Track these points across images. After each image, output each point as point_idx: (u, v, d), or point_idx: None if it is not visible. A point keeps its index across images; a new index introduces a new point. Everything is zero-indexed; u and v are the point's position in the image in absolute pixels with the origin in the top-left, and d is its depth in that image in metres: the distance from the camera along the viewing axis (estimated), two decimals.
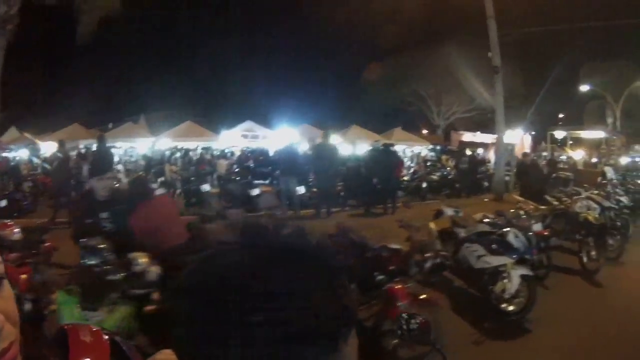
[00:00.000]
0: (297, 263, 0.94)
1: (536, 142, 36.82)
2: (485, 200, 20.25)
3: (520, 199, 17.53)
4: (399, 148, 31.80)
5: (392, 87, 39.14)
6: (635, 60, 37.62)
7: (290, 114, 33.24)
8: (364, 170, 18.90)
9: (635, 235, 12.54)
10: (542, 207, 12.30)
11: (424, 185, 22.50)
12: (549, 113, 38.96)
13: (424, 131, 42.16)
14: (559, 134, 32.90)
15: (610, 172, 16.11)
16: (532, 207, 12.23)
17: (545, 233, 9.80)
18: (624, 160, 37.58)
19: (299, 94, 41.07)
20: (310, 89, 43.00)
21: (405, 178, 22.74)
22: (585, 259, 10.12)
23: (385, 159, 17.94)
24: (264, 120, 33.97)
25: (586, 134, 33.77)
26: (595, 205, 11.57)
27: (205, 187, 16.62)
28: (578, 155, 38.07)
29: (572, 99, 40.80)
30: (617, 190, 14.49)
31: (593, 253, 10.13)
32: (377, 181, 17.70)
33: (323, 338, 0.89)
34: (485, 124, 36.84)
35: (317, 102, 40.08)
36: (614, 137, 34.44)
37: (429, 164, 29.02)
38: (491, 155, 30.32)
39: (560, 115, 44.35)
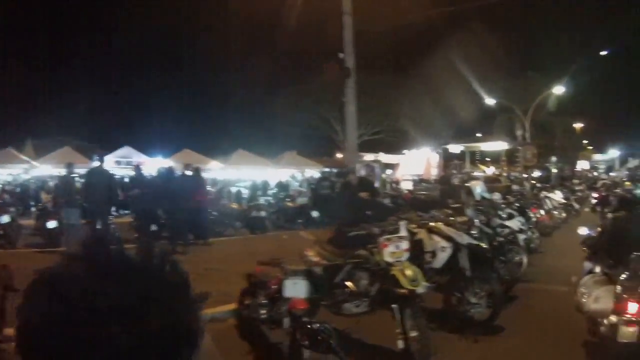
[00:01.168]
0: (132, 278, 0.92)
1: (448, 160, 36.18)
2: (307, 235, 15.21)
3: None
4: (287, 172, 31.23)
5: (298, 110, 38.09)
6: (542, 71, 37.90)
7: (172, 140, 33.70)
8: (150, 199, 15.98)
9: None
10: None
11: (263, 214, 20.63)
12: (467, 129, 38.81)
13: (339, 155, 41.12)
14: (455, 148, 31.96)
15: (479, 188, 13.54)
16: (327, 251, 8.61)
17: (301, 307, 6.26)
18: (536, 173, 37.56)
19: (183, 119, 43.41)
20: (198, 115, 46.67)
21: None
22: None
23: (183, 185, 16.17)
24: (145, 146, 33.66)
25: (487, 147, 33.02)
26: (444, 244, 8.81)
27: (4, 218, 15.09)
28: (490, 170, 37.84)
29: (484, 114, 40.57)
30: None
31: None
32: (163, 212, 15.66)
33: (154, 357, 0.89)
34: (395, 145, 36.32)
35: (206, 128, 39.50)
36: (519, 148, 34.00)
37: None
38: (399, 176, 29.40)
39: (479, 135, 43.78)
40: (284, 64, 37.60)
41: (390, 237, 7.87)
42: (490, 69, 37.63)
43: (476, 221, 9.88)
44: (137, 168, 19.10)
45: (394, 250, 7.64)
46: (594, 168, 58.88)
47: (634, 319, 6.42)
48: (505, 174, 36.07)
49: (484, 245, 9.23)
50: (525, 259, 10.99)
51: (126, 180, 22.82)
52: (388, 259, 7.55)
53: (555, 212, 20.69)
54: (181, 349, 0.91)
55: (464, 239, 8.75)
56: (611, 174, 50.70)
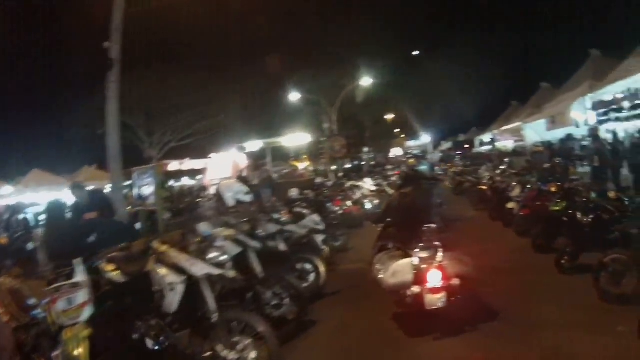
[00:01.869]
0: None
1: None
2: None
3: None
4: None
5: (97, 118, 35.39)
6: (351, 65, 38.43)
7: None
8: None
9: None
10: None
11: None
12: (274, 125, 38.50)
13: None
14: (255, 146, 31.36)
15: (229, 192, 10.07)
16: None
17: None
18: (348, 164, 38.22)
19: None
20: None
21: None
22: None
23: None
24: None
25: (288, 141, 32.85)
26: (173, 279, 6.08)
27: None
28: (303, 165, 37.81)
29: (290, 109, 40.45)
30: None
31: None
32: None
33: None
34: (207, 149, 35.20)
35: None
36: (322, 140, 34.16)
37: None
38: (207, 182, 28.39)
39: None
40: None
41: (60, 285, 5.71)
42: (299, 63, 38.10)
43: (218, 236, 7.49)
44: None
45: (65, 307, 5.59)
46: (408, 154, 61.33)
47: (438, 285, 7.16)
48: (311, 168, 36.38)
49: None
50: (322, 267, 10.14)
51: None
52: (62, 320, 5.56)
53: (366, 201, 20.88)
54: None
55: (201, 269, 6.16)
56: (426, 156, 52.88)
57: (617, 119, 25.47)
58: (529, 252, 11.86)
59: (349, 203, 19.13)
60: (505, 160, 24.31)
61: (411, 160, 29.83)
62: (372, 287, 8.47)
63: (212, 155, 32.96)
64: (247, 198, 10.00)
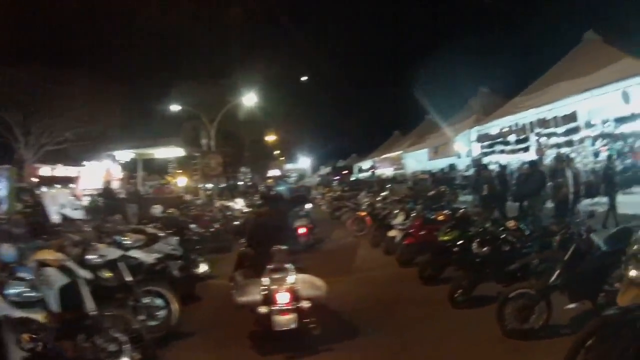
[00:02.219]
0: None
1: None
2: None
3: None
4: None
5: None
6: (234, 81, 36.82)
7: None
8: None
9: None
10: None
11: None
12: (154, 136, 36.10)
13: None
14: (125, 156, 28.98)
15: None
16: None
17: None
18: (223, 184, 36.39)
19: None
20: None
21: None
22: None
23: None
24: None
25: (161, 154, 30.59)
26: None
27: None
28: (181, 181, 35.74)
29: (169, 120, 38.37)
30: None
31: None
32: None
33: None
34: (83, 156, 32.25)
35: None
36: (196, 155, 32.31)
37: None
38: (79, 192, 25.71)
39: None
40: None
41: None
42: (183, 74, 37.21)
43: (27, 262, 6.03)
44: None
45: None
46: (286, 176, 60.81)
47: (286, 307, 7.06)
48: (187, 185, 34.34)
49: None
50: (175, 302, 8.06)
51: None
52: None
53: (237, 222, 18.97)
54: None
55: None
56: (304, 180, 54.49)
57: (502, 152, 25.97)
58: (415, 283, 10.78)
59: (216, 225, 17.40)
60: (387, 186, 23.47)
61: (269, 181, 28.39)
62: (239, 325, 7.96)
63: (85, 163, 30.35)
64: (76, 214, 8.28)
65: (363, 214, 18.94)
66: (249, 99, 35.34)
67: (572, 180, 14.46)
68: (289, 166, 73.44)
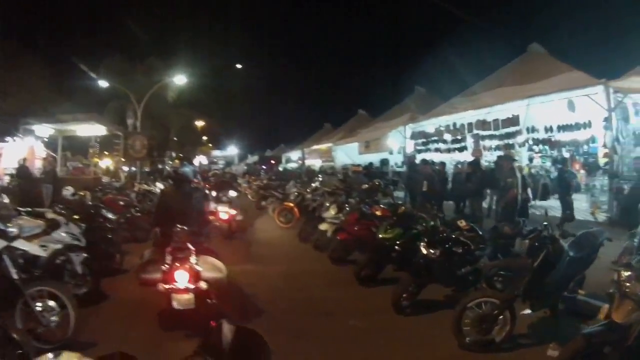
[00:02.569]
0: None
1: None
2: None
3: None
4: None
5: None
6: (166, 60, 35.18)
7: None
8: None
9: None
10: None
11: None
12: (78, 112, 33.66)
13: None
14: (43, 131, 26.53)
15: None
16: None
17: None
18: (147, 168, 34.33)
19: None
20: None
21: None
22: None
23: None
24: None
25: (83, 131, 28.29)
26: None
27: None
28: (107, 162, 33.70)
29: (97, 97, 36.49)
30: None
31: None
32: None
33: None
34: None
35: None
36: (119, 134, 30.33)
37: None
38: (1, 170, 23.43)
39: None
40: None
41: None
42: (112, 49, 35.49)
43: None
44: None
45: None
46: (213, 163, 59.21)
47: (184, 287, 6.87)
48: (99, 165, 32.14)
49: None
50: (72, 305, 6.40)
51: None
52: None
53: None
54: None
55: None
56: (231, 167, 53.52)
57: (437, 150, 25.52)
58: (350, 284, 9.62)
59: (133, 211, 15.06)
60: (318, 177, 22.31)
61: (176, 161, 26.52)
62: (151, 328, 7.18)
63: (7, 139, 27.93)
64: None
65: (291, 204, 17.75)
66: (180, 79, 33.64)
67: (521, 182, 13.65)
68: (216, 153, 72.29)
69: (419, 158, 21.85)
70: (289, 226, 17.14)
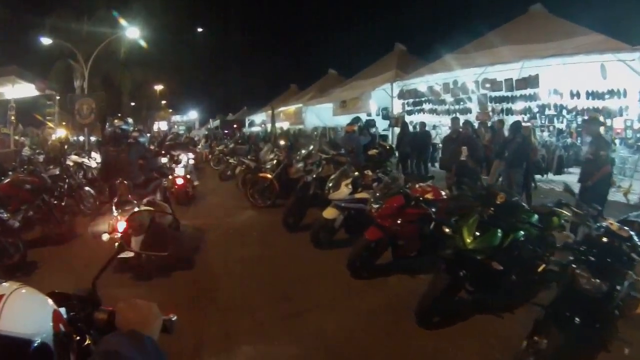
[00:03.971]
0: None
1: None
2: None
3: None
4: None
5: None
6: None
7: None
8: None
9: None
10: None
11: None
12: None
13: None
14: None
15: None
16: None
17: None
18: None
19: None
20: None
21: None
22: None
23: None
24: None
25: (10, 93, 22.69)
26: None
27: None
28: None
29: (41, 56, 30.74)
30: None
31: None
32: None
33: None
34: None
35: None
36: (52, 94, 25.09)
37: None
38: None
39: None
40: None
41: None
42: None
43: None
44: None
45: None
46: (172, 129, 54.47)
47: (121, 234, 6.42)
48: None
49: None
50: None
51: None
52: None
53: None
54: None
55: None
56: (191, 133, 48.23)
57: (434, 111, 22.12)
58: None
59: (45, 197, 10.15)
60: (312, 142, 17.71)
61: (117, 121, 21.63)
62: None
63: None
64: None
65: (268, 176, 12.95)
66: (133, 33, 28.20)
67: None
68: (176, 118, 67.52)
69: (408, 119, 19.49)
70: (266, 205, 12.65)
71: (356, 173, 8.49)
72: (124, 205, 7.32)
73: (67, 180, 11.78)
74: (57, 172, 11.93)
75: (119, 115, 11.52)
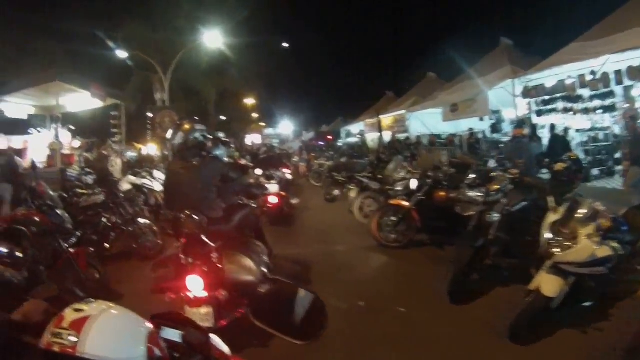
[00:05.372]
0: None
1: None
2: None
3: None
4: None
5: None
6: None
7: None
8: None
9: None
10: None
11: None
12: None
13: None
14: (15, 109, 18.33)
15: None
16: None
17: None
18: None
19: None
20: None
21: None
22: None
23: None
24: None
25: (72, 103, 19.83)
26: None
27: None
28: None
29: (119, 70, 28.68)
30: None
31: None
32: None
33: None
34: None
35: None
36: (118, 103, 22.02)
37: None
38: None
39: None
40: None
41: None
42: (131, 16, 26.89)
43: None
44: None
45: None
46: (266, 141, 52.37)
47: (199, 296, 4.73)
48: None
49: None
50: None
51: None
52: None
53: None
54: None
55: None
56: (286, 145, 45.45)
57: (568, 110, 17.54)
58: None
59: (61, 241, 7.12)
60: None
61: (186, 127, 18.30)
62: None
63: (32, 130, 20.47)
64: None
65: (405, 204, 9.20)
66: (214, 40, 25.33)
67: None
68: (269, 131, 64.88)
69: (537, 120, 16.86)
70: (400, 245, 9.08)
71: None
72: (191, 249, 4.88)
73: (118, 210, 9.11)
74: (101, 199, 9.18)
75: (196, 118, 7.80)
